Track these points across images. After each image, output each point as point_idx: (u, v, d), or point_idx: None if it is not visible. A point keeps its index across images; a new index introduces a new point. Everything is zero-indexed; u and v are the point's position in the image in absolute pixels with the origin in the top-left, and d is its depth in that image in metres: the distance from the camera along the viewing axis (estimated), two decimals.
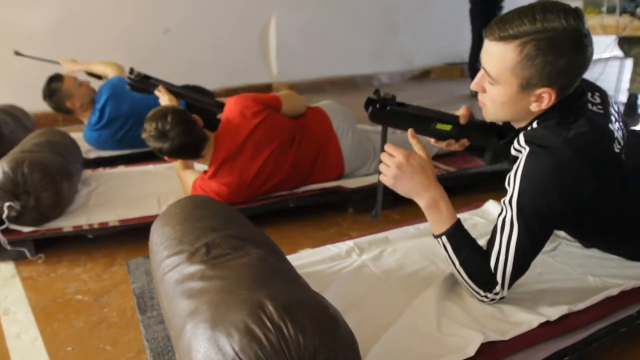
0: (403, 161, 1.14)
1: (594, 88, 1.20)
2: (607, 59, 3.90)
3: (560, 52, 1.00)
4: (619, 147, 1.11)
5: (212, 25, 4.26)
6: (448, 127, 1.25)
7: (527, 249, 1.07)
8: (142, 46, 3.73)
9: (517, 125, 1.18)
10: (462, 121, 1.25)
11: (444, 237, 1.14)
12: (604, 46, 3.35)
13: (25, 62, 3.60)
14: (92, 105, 2.72)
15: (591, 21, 3.21)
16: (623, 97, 3.77)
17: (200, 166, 2.04)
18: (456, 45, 5.53)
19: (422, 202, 1.16)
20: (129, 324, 1.40)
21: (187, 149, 1.85)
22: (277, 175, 1.97)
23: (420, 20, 5.44)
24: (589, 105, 1.13)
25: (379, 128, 2.80)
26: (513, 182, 1.08)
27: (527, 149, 1.08)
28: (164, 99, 2.20)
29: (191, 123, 1.85)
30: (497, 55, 1.04)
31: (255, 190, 1.95)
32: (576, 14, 1.00)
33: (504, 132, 1.27)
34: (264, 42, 4.63)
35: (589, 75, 1.15)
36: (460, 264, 1.13)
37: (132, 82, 2.28)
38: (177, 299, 0.91)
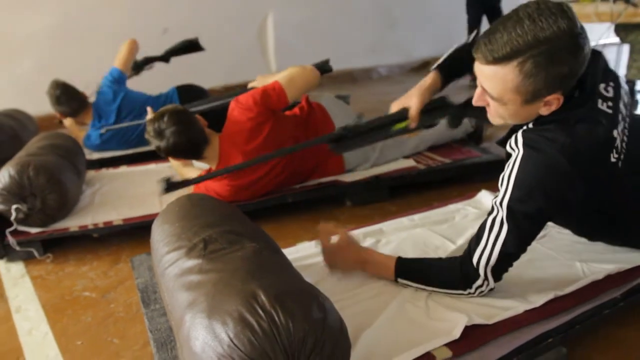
0: (333, 249, 1.30)
1: (609, 76, 1.12)
2: (604, 45, 3.90)
3: (561, 61, 0.94)
4: (615, 156, 1.08)
5: (210, 24, 4.29)
6: (403, 124, 1.38)
7: (513, 247, 1.08)
8: (141, 46, 3.76)
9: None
10: (413, 113, 1.33)
11: (398, 279, 1.23)
12: (599, 33, 3.36)
13: (27, 67, 3.66)
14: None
15: (586, 9, 3.22)
16: None
17: (199, 164, 2.07)
18: (454, 36, 5.52)
19: (362, 269, 1.28)
20: (134, 317, 1.46)
21: (183, 149, 1.83)
22: (280, 178, 2.01)
23: (418, 11, 5.44)
24: (599, 103, 1.07)
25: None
26: (506, 184, 1.07)
27: (522, 150, 1.06)
28: None
29: (187, 124, 1.82)
30: (495, 77, 0.98)
31: (256, 192, 1.98)
32: (564, 13, 0.92)
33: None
34: (262, 39, 4.66)
35: None
36: (430, 285, 1.19)
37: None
38: (176, 291, 0.97)
